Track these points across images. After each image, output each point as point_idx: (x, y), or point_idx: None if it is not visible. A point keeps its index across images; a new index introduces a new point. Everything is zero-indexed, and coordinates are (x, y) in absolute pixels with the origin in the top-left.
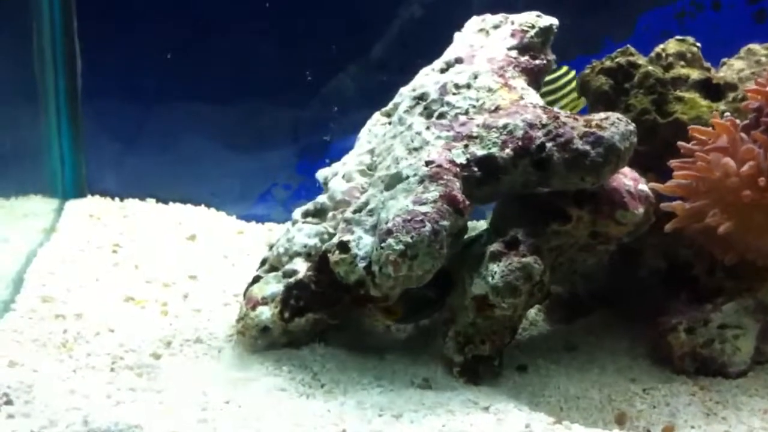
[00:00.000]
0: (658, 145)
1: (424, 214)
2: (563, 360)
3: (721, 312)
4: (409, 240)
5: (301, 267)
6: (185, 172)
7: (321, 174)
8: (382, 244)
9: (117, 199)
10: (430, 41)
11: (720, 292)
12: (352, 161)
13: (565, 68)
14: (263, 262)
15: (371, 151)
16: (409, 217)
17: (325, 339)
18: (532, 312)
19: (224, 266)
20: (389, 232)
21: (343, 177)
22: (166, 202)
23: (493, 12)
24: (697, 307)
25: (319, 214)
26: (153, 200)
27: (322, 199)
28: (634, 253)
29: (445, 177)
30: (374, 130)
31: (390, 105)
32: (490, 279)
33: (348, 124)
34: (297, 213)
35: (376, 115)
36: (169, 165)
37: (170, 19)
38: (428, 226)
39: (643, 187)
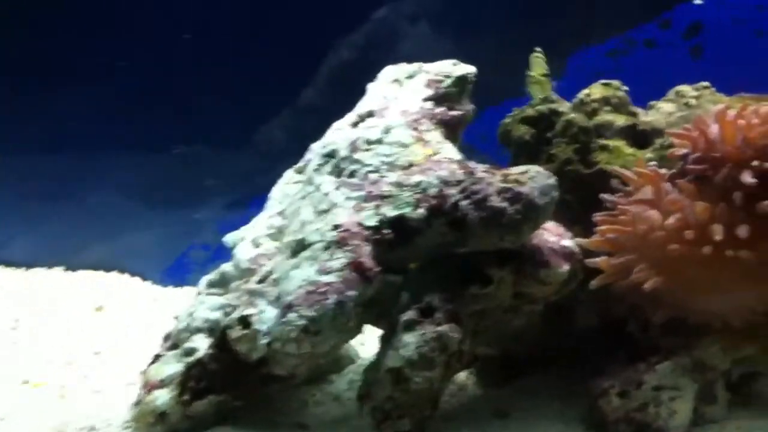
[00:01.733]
0: (584, 196)
1: (329, 284)
2: (492, 428)
3: (656, 372)
4: (312, 314)
5: (203, 344)
6: (96, 235)
7: (230, 238)
8: (283, 320)
9: (23, 268)
10: (362, 84)
11: (656, 350)
12: (261, 224)
13: None
14: (166, 338)
15: (282, 213)
16: (312, 289)
17: (234, 420)
18: (462, 375)
19: (132, 339)
20: (290, 306)
21: (251, 242)
22: (75, 269)
23: (423, 55)
24: (631, 368)
25: (224, 284)
26: (61, 268)
27: (227, 267)
28: (566, 311)
29: (352, 242)
30: (286, 189)
31: (302, 161)
32: (403, 351)
33: (277, 176)
34: (202, 283)
35: (289, 173)
36: (79, 228)
37: (78, 67)
38: (332, 298)
39: (568, 242)
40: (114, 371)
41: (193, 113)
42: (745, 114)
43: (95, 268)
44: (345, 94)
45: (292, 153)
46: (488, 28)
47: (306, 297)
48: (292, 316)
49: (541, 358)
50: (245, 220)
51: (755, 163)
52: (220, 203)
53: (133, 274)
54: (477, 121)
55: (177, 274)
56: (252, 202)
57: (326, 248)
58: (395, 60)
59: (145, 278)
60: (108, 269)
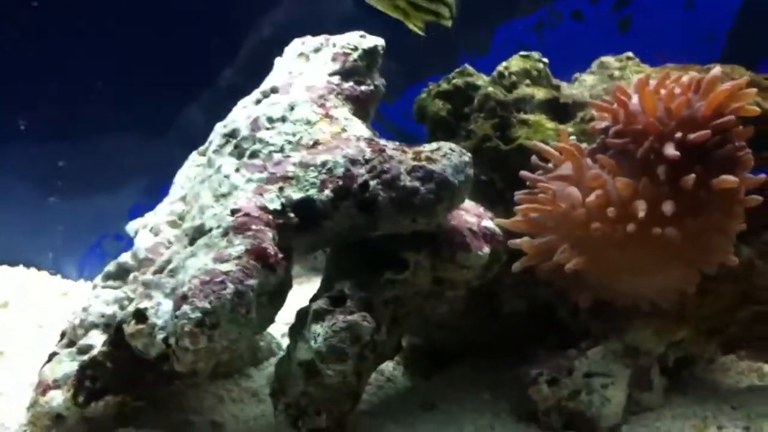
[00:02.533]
0: (504, 174)
1: (226, 273)
2: (419, 422)
3: (587, 358)
4: (207, 306)
5: (98, 341)
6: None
7: (132, 226)
8: (177, 313)
9: None
10: None
11: (586, 335)
12: (162, 211)
13: None
14: (62, 335)
15: (184, 198)
16: (207, 279)
17: (139, 422)
18: (390, 366)
19: (39, 337)
20: (185, 298)
21: (151, 230)
22: None
23: (346, 31)
24: (561, 354)
25: (122, 275)
26: None
27: (125, 257)
28: (492, 296)
29: (253, 227)
30: (189, 172)
31: (206, 142)
32: (313, 342)
33: None
34: (99, 276)
35: (193, 155)
36: None
37: None
38: (230, 288)
39: (488, 223)
40: (16, 372)
41: (104, 95)
42: (667, 84)
43: None
44: (267, 73)
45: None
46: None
47: (201, 287)
48: (186, 308)
49: (469, 346)
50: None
51: (678, 134)
52: (135, 189)
53: (40, 267)
54: (401, 99)
55: (89, 266)
56: (168, 187)
57: (224, 234)
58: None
59: (53, 272)
60: (12, 263)
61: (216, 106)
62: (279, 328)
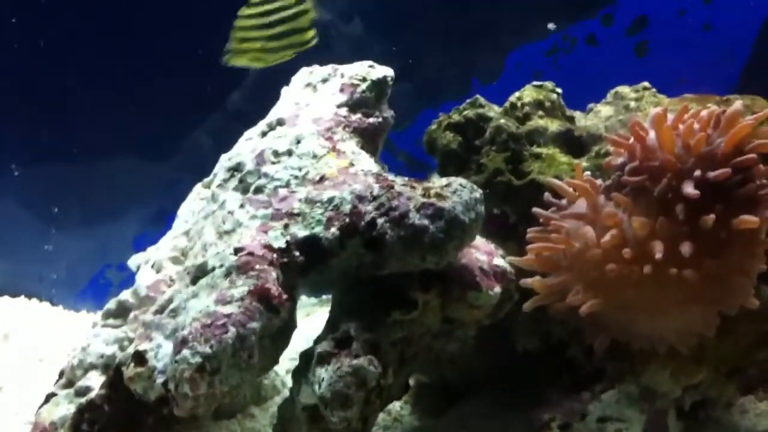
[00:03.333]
0: (517, 208)
1: (228, 316)
2: None
3: (601, 402)
4: (208, 351)
5: (97, 383)
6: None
7: (134, 261)
8: (177, 357)
9: None
10: None
11: (600, 376)
12: (165, 246)
13: None
14: (60, 375)
15: (187, 233)
16: (208, 322)
17: None
18: (397, 405)
19: (39, 372)
20: (185, 342)
21: (153, 266)
22: None
23: (357, 57)
24: (575, 397)
25: (122, 313)
26: None
27: (125, 295)
28: (504, 333)
29: (257, 267)
30: (193, 205)
31: (211, 175)
32: (317, 387)
33: None
34: (99, 313)
35: (198, 187)
36: None
37: None
38: (232, 332)
39: (500, 261)
40: (14, 410)
41: (111, 119)
42: (685, 118)
43: None
44: (275, 98)
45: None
46: (423, 27)
47: (202, 331)
48: (186, 353)
49: (480, 384)
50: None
51: (697, 172)
52: (140, 218)
53: (42, 298)
54: (414, 125)
55: (91, 297)
56: (174, 215)
57: (227, 274)
58: (327, 62)
59: (55, 303)
60: (14, 294)
61: (223, 131)
62: (284, 364)
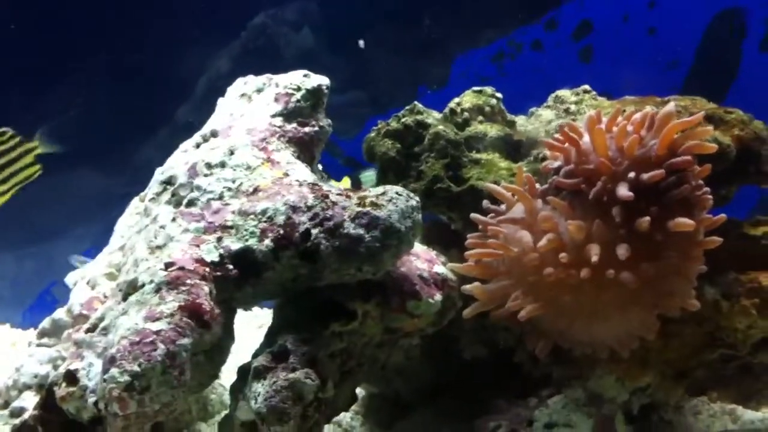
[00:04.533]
0: (458, 215)
1: (157, 333)
2: None
3: (548, 407)
4: (137, 369)
5: (31, 403)
6: None
7: (71, 278)
8: (105, 376)
9: None
10: None
11: (547, 382)
12: (101, 262)
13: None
14: None
15: (122, 248)
16: (137, 339)
17: None
18: (347, 416)
19: None
20: (113, 360)
21: (88, 283)
22: None
23: (307, 66)
24: (522, 403)
25: (57, 332)
26: None
27: (59, 313)
28: (450, 341)
29: (188, 282)
30: (129, 221)
31: (147, 189)
32: (254, 402)
33: None
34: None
35: (135, 201)
36: None
37: None
38: (161, 349)
39: (440, 269)
40: None
41: (58, 133)
42: (619, 121)
43: None
44: None
45: None
46: (372, 36)
47: (130, 349)
48: (114, 371)
49: (429, 393)
50: None
51: (631, 175)
52: (88, 233)
53: None
54: (363, 132)
55: (38, 314)
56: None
57: (157, 290)
58: (277, 72)
59: (1, 321)
60: None
61: (173, 145)
62: (233, 377)
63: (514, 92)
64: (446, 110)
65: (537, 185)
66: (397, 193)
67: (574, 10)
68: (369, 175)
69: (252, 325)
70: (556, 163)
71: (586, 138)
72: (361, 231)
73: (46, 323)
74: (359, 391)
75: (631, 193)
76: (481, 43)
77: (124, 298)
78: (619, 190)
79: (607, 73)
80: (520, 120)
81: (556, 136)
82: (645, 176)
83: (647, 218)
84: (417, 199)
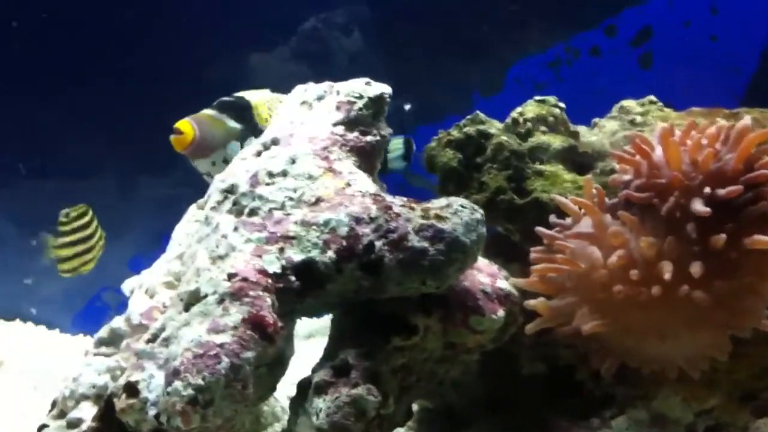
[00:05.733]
0: (520, 227)
1: (221, 345)
2: None
3: (611, 428)
4: (201, 382)
5: (89, 414)
6: None
7: (128, 285)
8: (168, 389)
9: None
10: None
11: (609, 401)
12: (159, 270)
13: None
14: (53, 405)
15: (181, 256)
16: (201, 352)
17: None
18: (401, 431)
19: (34, 400)
20: (176, 373)
21: (146, 292)
22: None
23: (357, 71)
24: (583, 423)
25: (115, 341)
26: None
27: (118, 322)
28: (510, 356)
29: (251, 293)
30: (187, 227)
31: (206, 195)
32: (315, 418)
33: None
34: (92, 340)
35: (192, 209)
36: None
37: None
38: (225, 362)
39: (503, 284)
40: None
41: (103, 136)
42: (693, 134)
43: None
44: None
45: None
46: (422, 41)
47: (194, 361)
48: (177, 384)
49: (485, 408)
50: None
51: (706, 190)
52: (135, 237)
53: (37, 322)
54: (416, 141)
55: (89, 320)
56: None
57: (220, 301)
58: (326, 75)
59: (51, 327)
60: (8, 318)
61: None
62: (285, 389)
63: (571, 99)
64: (508, 120)
65: (606, 199)
66: (461, 205)
67: (634, 16)
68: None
69: (299, 335)
70: (626, 177)
71: (658, 151)
72: (425, 244)
73: (103, 332)
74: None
75: (708, 209)
76: (537, 49)
77: (186, 309)
78: (694, 205)
79: (667, 80)
80: (581, 131)
81: (626, 148)
82: (721, 192)
83: (723, 235)
84: (481, 212)
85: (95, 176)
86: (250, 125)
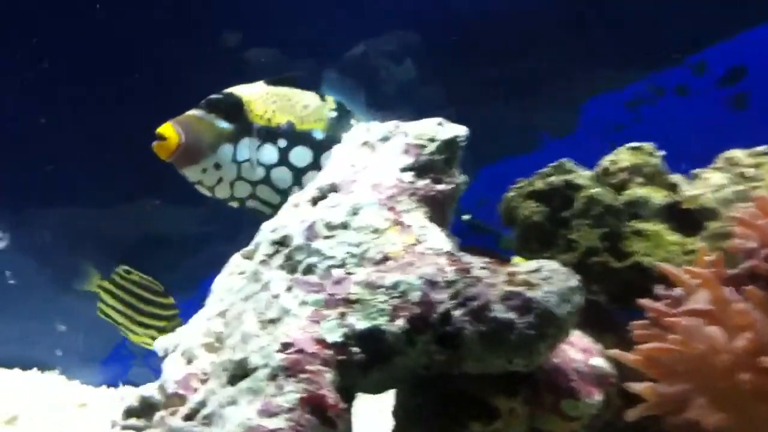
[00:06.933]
0: (615, 295)
1: None
2: None
3: None
4: None
5: None
6: (9, 325)
7: (161, 344)
8: None
9: None
10: None
11: None
12: (197, 329)
13: None
14: None
15: (223, 314)
16: None
17: None
18: None
19: None
20: None
21: (183, 354)
22: None
23: (408, 103)
24: None
25: (147, 412)
26: None
27: (150, 390)
28: None
29: (308, 368)
30: (230, 280)
31: (252, 244)
32: None
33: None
34: (120, 410)
35: (236, 258)
36: None
37: None
38: None
39: (598, 361)
40: None
41: (129, 162)
42: None
43: (8, 366)
44: None
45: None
46: (482, 71)
47: None
48: None
49: None
50: (196, 303)
51: None
52: (164, 281)
53: (57, 371)
54: (474, 183)
55: (111, 370)
56: (209, 278)
57: (272, 377)
58: (373, 105)
59: (70, 377)
60: (25, 367)
61: None
62: None
63: (653, 142)
64: (598, 169)
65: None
66: (554, 269)
67: (724, 53)
68: None
69: None
70: (751, 244)
71: None
72: (512, 315)
73: (134, 401)
74: None
75: None
76: (614, 86)
77: (231, 382)
78: None
79: (762, 124)
80: (678, 181)
81: (746, 208)
82: None
83: None
84: (578, 278)
85: (124, 211)
86: (243, 124)
